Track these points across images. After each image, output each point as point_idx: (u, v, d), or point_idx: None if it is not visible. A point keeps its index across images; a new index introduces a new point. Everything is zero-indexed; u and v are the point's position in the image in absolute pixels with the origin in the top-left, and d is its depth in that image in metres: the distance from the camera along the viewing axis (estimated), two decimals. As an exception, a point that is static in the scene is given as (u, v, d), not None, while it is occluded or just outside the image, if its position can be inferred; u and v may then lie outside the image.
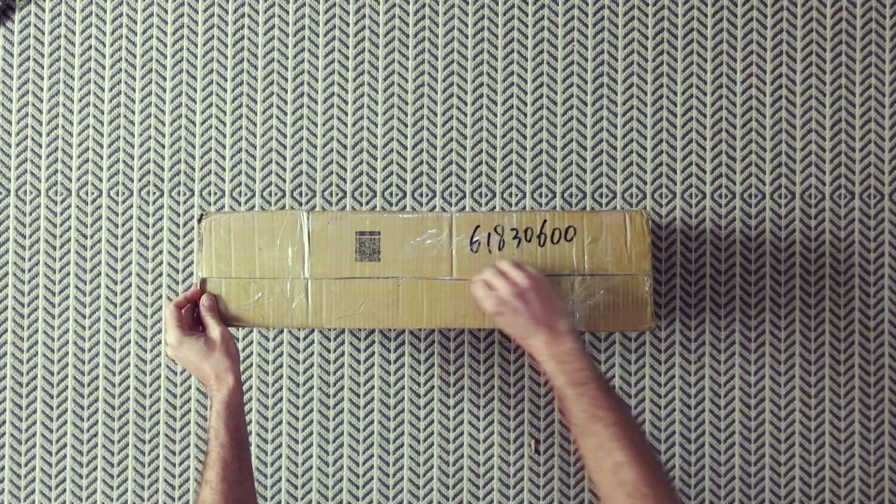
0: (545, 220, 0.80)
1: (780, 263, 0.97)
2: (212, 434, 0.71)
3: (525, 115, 0.97)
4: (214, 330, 0.77)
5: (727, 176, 0.97)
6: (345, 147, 0.98)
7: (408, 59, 0.98)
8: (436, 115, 0.98)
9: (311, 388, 0.97)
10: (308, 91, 0.98)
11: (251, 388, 0.97)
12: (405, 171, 0.97)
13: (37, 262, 0.97)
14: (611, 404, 0.65)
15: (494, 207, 0.97)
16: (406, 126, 0.98)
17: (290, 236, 0.80)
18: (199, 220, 0.80)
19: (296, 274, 0.80)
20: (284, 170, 0.97)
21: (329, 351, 0.97)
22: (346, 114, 0.98)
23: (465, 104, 0.98)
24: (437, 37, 0.98)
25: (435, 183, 0.97)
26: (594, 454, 0.62)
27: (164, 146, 0.98)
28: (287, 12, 0.98)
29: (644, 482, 0.59)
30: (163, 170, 0.98)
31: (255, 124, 0.98)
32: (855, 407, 0.97)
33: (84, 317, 0.97)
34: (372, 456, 0.97)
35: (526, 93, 0.98)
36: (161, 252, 0.97)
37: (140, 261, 0.97)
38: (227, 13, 0.98)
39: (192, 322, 0.79)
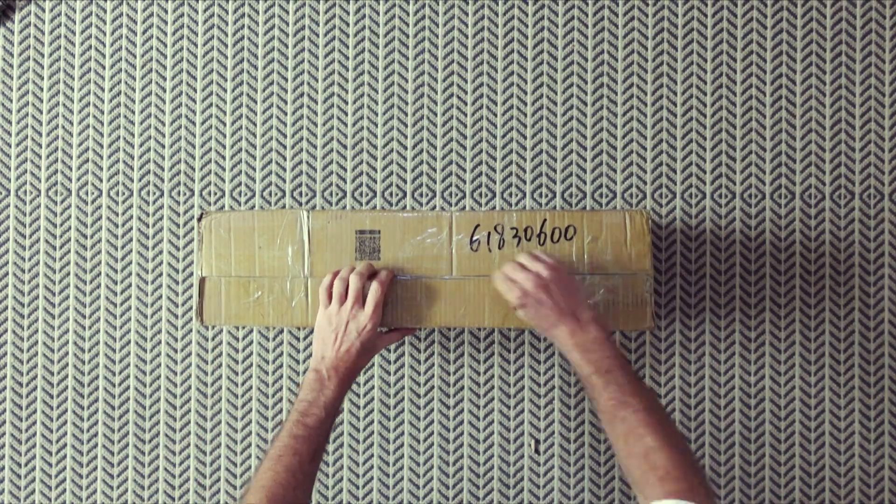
0: (545, 220, 0.80)
1: (780, 263, 0.97)
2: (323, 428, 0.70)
3: (525, 115, 0.98)
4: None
5: (727, 176, 0.97)
6: (345, 147, 0.98)
7: (408, 59, 0.98)
8: (436, 115, 0.98)
9: (311, 388, 0.97)
10: (308, 91, 0.98)
11: (251, 387, 0.97)
12: (405, 171, 0.97)
13: (37, 262, 0.97)
14: (638, 390, 0.66)
15: (494, 207, 0.97)
16: (406, 126, 0.98)
17: (290, 235, 0.80)
18: (200, 220, 0.80)
19: (296, 273, 0.80)
20: (284, 170, 0.97)
21: (329, 351, 0.97)
22: (346, 114, 0.98)
23: (465, 104, 0.98)
24: (437, 37, 0.98)
25: (435, 183, 0.97)
26: (624, 440, 0.63)
27: (164, 146, 0.98)
28: (287, 12, 0.98)
29: (675, 465, 0.59)
30: (163, 170, 0.98)
31: (255, 124, 0.98)
32: (855, 407, 0.97)
33: (84, 317, 0.97)
34: (372, 456, 0.97)
35: (526, 93, 0.98)
36: (161, 252, 0.97)
37: (140, 261, 0.97)
38: (227, 13, 0.98)
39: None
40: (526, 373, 0.97)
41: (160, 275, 0.97)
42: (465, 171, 0.97)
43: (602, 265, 0.80)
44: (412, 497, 0.97)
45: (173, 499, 0.97)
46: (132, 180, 0.98)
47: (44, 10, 0.98)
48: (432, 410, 0.97)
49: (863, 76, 0.97)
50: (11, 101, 0.98)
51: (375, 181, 0.97)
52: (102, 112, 0.98)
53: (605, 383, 0.66)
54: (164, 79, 0.98)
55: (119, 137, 0.98)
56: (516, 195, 0.97)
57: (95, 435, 0.97)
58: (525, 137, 0.97)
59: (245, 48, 0.98)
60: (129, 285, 0.97)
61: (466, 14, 0.98)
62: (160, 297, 0.97)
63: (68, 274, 0.97)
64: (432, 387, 0.97)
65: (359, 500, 0.97)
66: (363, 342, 0.75)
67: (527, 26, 0.98)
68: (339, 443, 0.97)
